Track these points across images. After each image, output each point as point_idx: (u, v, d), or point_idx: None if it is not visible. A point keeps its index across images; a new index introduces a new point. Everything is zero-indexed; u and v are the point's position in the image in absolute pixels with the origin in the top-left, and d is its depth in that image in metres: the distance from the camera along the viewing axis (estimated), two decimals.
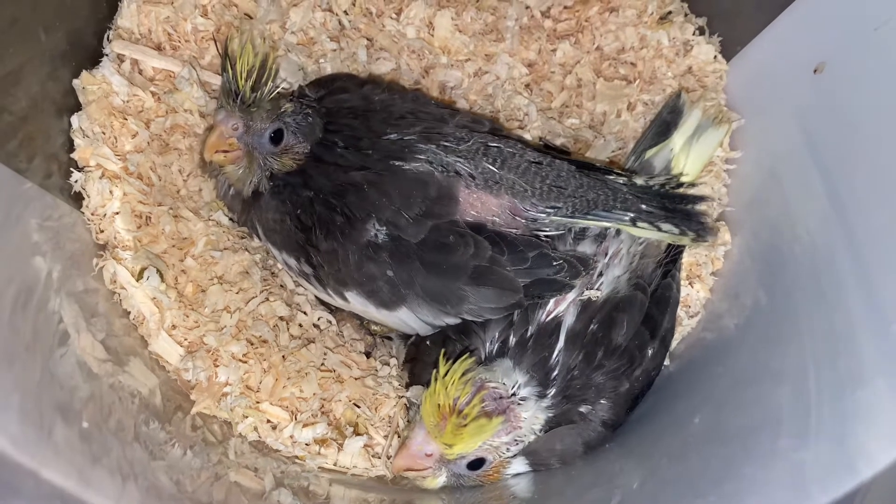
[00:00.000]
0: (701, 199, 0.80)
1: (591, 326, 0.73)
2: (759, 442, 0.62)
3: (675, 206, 0.78)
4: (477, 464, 0.71)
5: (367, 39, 0.89)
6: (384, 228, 0.72)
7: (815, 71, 0.75)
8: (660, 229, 0.76)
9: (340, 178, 0.74)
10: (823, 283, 0.73)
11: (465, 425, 0.66)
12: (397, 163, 0.74)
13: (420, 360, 0.76)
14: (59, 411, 0.63)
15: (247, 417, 0.74)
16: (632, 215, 0.76)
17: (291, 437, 0.74)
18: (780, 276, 0.80)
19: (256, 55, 0.71)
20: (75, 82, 0.80)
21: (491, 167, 0.75)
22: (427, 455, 0.69)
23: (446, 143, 0.75)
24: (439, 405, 0.66)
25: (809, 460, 0.58)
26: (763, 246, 0.84)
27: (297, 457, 0.74)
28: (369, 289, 0.74)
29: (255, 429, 0.75)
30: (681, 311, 0.85)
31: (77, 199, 0.79)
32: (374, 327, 0.86)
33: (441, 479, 0.72)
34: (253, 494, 0.71)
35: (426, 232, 0.72)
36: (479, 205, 0.74)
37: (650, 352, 0.75)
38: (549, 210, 0.74)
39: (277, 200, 0.76)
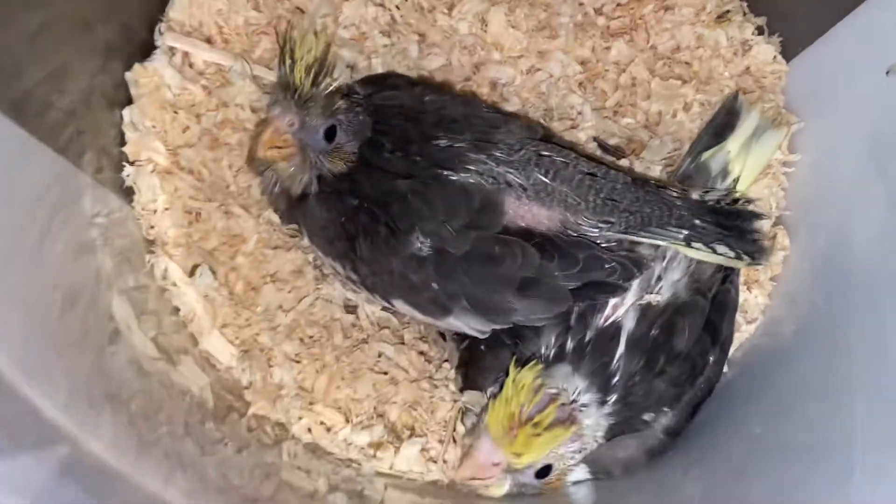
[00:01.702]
0: (757, 216, 0.78)
1: (653, 332, 0.72)
2: (831, 460, 0.61)
3: (731, 222, 0.76)
4: (544, 471, 0.70)
5: (419, 35, 0.88)
6: (428, 240, 0.70)
7: (887, 73, 0.73)
8: (715, 251, 0.74)
9: (385, 186, 0.73)
10: (879, 291, 0.72)
11: (539, 434, 0.65)
12: (445, 172, 0.72)
13: (474, 365, 0.74)
14: (108, 400, 0.63)
15: (301, 419, 0.73)
16: (686, 233, 0.74)
17: (346, 439, 0.73)
18: (837, 282, 0.78)
19: (317, 48, 0.69)
20: (127, 75, 0.79)
21: (543, 178, 0.73)
22: (494, 464, 0.68)
23: (497, 154, 0.73)
24: (511, 414, 0.65)
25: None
26: (820, 251, 0.83)
27: (351, 460, 0.73)
28: (414, 300, 0.73)
29: (310, 430, 0.73)
30: (739, 317, 0.84)
31: (128, 194, 0.78)
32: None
33: (505, 487, 0.71)
34: (304, 494, 0.70)
35: (470, 244, 0.70)
36: (530, 217, 0.72)
37: (711, 359, 0.74)
38: (601, 225, 0.72)
39: (322, 207, 0.75)
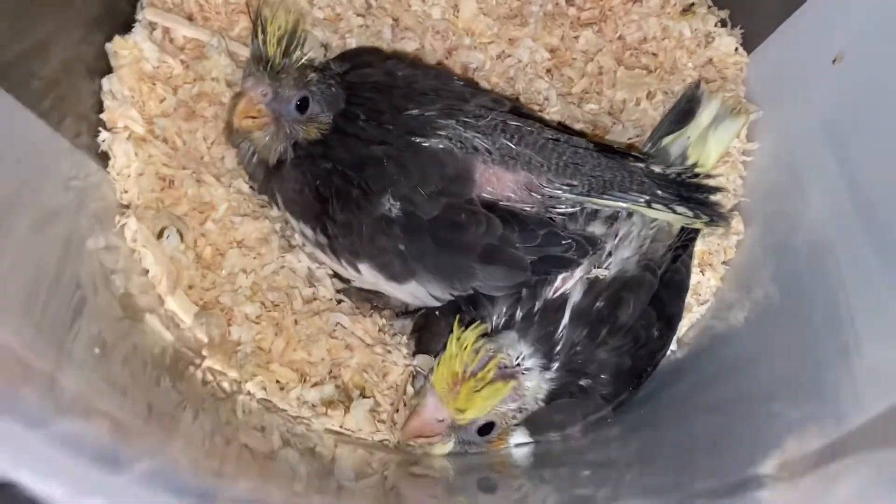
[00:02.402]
0: (716, 189, 0.81)
1: (597, 304, 0.74)
2: (753, 408, 0.63)
3: (691, 194, 0.79)
4: (486, 428, 0.72)
5: (393, 19, 0.91)
6: (399, 203, 0.74)
7: (833, 61, 0.76)
8: (674, 211, 0.77)
9: (360, 151, 0.76)
10: (834, 280, 0.73)
11: (480, 389, 0.68)
12: (417, 139, 0.75)
13: (427, 330, 0.77)
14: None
15: (256, 376, 0.76)
16: (647, 198, 0.76)
17: (299, 397, 0.76)
18: (792, 270, 0.80)
19: (287, 22, 0.72)
20: (107, 46, 0.83)
21: (508, 143, 0.76)
22: (439, 421, 0.71)
23: (466, 119, 0.77)
24: (454, 371, 0.67)
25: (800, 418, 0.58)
26: (777, 238, 0.85)
27: (302, 417, 0.76)
28: (381, 261, 0.76)
29: (264, 388, 0.76)
30: (691, 299, 0.86)
31: (104, 159, 0.81)
32: (384, 311, 0.86)
33: (449, 446, 0.74)
34: (262, 455, 0.72)
35: (440, 209, 0.74)
36: (496, 181, 0.75)
37: (655, 332, 0.76)
38: (564, 187, 0.75)
39: (298, 171, 0.78)
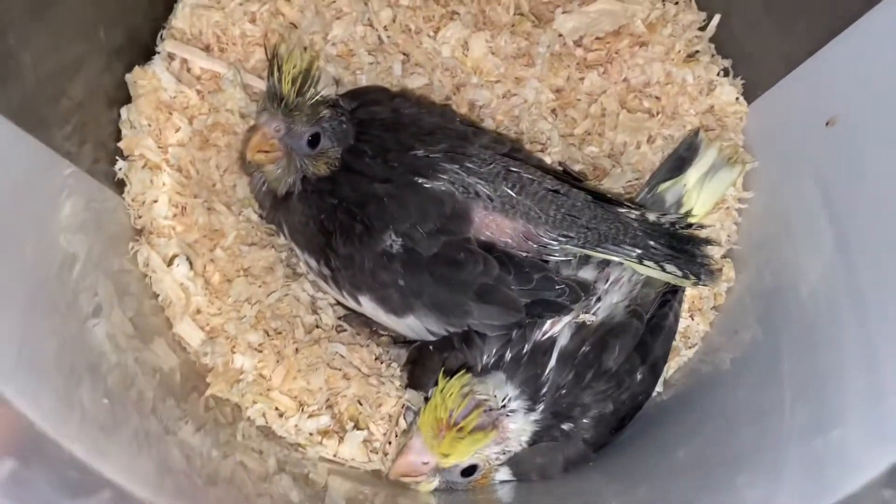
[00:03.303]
0: (708, 242, 0.83)
1: (584, 348, 0.77)
2: (723, 475, 0.66)
3: (682, 246, 0.82)
4: (469, 470, 0.76)
5: (404, 55, 0.94)
6: (400, 240, 0.77)
7: (826, 124, 0.78)
8: (664, 269, 0.80)
9: (364, 188, 0.79)
10: (819, 331, 0.76)
11: (463, 438, 0.71)
12: (420, 179, 0.78)
13: (420, 364, 0.80)
14: (88, 370, 0.68)
15: (256, 403, 0.79)
16: (640, 251, 0.79)
17: (296, 425, 0.79)
18: (779, 319, 0.82)
19: (303, 62, 0.75)
20: (128, 76, 0.86)
21: (510, 192, 0.79)
22: (424, 463, 0.74)
23: (469, 165, 0.79)
24: (439, 418, 0.71)
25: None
26: (766, 287, 0.87)
27: (299, 444, 0.80)
28: (381, 295, 0.79)
29: (264, 415, 0.80)
30: (679, 342, 0.89)
31: (119, 186, 0.85)
32: (382, 337, 0.89)
33: (434, 484, 0.77)
34: (257, 476, 0.76)
35: (439, 247, 0.77)
36: (494, 226, 0.78)
37: (639, 377, 0.79)
38: (560, 238, 0.78)
39: (304, 205, 0.81)
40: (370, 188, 0.79)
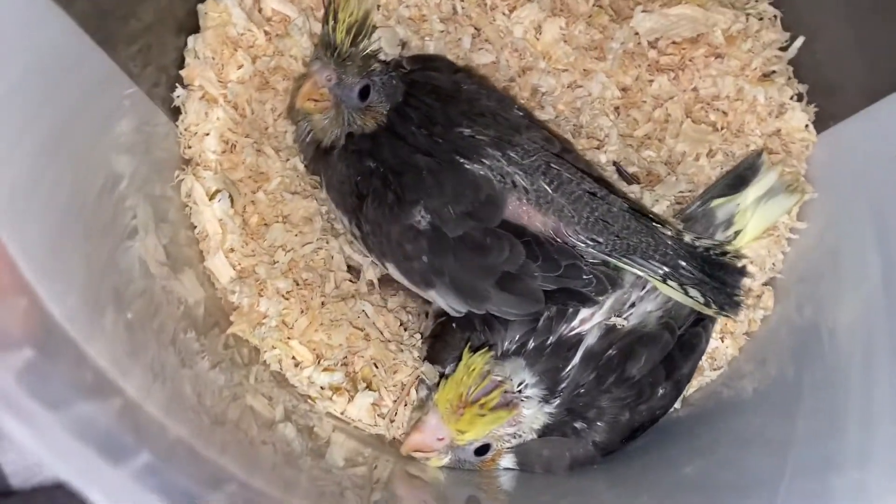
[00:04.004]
0: (741, 273, 0.81)
1: (610, 352, 0.76)
2: (728, 500, 0.64)
3: (714, 272, 0.80)
4: (483, 449, 0.75)
5: (476, 29, 0.93)
6: (428, 216, 0.76)
7: None
8: (686, 293, 0.78)
9: (404, 156, 0.78)
10: (851, 374, 0.74)
11: (483, 415, 0.70)
12: (461, 160, 0.77)
13: (442, 339, 0.80)
14: (113, 295, 0.69)
15: (274, 349, 0.80)
16: (667, 270, 0.78)
17: (310, 377, 0.80)
18: (811, 355, 0.80)
19: (358, 11, 0.75)
20: (200, 6, 0.86)
21: (546, 187, 0.77)
22: (438, 439, 0.74)
23: (512, 154, 0.78)
24: (461, 394, 0.70)
25: None
26: (804, 321, 0.85)
27: (309, 396, 0.80)
28: (405, 266, 0.78)
29: (280, 361, 0.80)
30: (704, 362, 0.87)
31: (174, 113, 0.85)
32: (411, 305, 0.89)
33: (445, 460, 0.77)
34: (263, 421, 0.76)
35: (466, 229, 0.75)
36: (526, 218, 0.77)
37: (661, 391, 0.78)
38: (589, 241, 0.77)
39: (343, 164, 0.81)
40: (411, 158, 0.78)
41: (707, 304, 0.78)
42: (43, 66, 0.63)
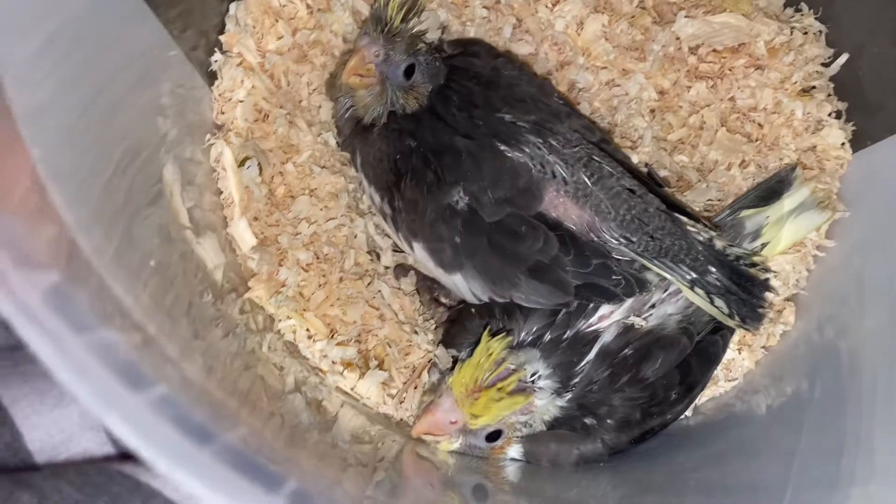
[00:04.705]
0: (768, 287, 0.80)
1: (626, 350, 0.76)
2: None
3: (741, 282, 0.79)
4: (494, 435, 0.75)
5: (517, 19, 0.92)
6: (467, 198, 0.76)
7: None
8: (712, 302, 0.77)
9: (445, 138, 0.78)
10: (870, 400, 0.73)
11: (500, 399, 0.70)
12: (501, 145, 0.77)
13: (459, 323, 0.79)
14: (139, 247, 0.68)
15: (290, 318, 0.79)
16: (695, 276, 0.77)
17: (322, 350, 0.79)
18: (830, 377, 0.80)
19: None
20: None
21: (586, 179, 0.77)
22: (451, 422, 0.73)
23: (553, 142, 0.78)
24: (477, 378, 0.70)
25: None
26: (824, 341, 0.84)
27: (320, 370, 0.80)
28: (434, 247, 0.78)
29: (294, 332, 0.80)
30: (720, 372, 0.86)
31: (211, 77, 0.85)
32: (442, 299, 0.88)
33: (456, 445, 0.76)
34: (273, 392, 0.76)
35: (503, 215, 0.75)
36: (562, 210, 0.77)
37: (673, 395, 0.77)
38: (622, 239, 0.76)
39: (383, 141, 0.81)
40: (451, 140, 0.78)
41: (731, 316, 0.78)
42: (88, 15, 0.63)
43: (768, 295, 0.80)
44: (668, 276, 0.77)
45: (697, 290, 0.77)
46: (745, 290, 0.79)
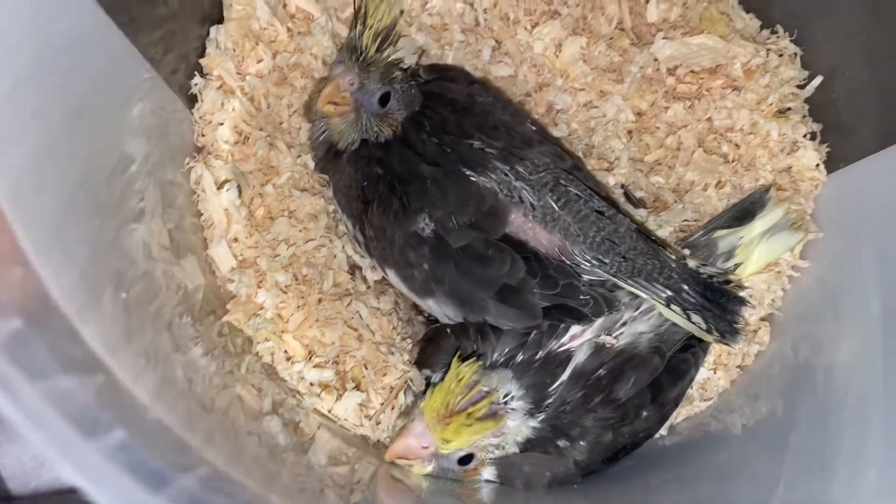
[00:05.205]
0: (742, 301, 0.81)
1: (600, 371, 0.76)
2: None
3: (716, 298, 0.80)
4: (466, 459, 0.76)
5: (496, 41, 0.93)
6: (432, 225, 0.76)
7: None
8: (689, 318, 0.78)
9: (412, 166, 0.79)
10: (844, 419, 0.74)
11: (470, 425, 0.71)
12: (467, 171, 0.78)
13: (435, 343, 0.80)
14: (114, 275, 0.69)
15: (268, 341, 0.80)
16: (670, 294, 0.78)
17: (300, 372, 0.80)
18: (804, 396, 0.80)
19: (387, 18, 0.76)
20: None
21: (553, 204, 0.78)
22: (423, 447, 0.74)
23: (520, 169, 0.78)
24: (448, 403, 0.71)
25: None
26: (799, 360, 0.85)
27: (298, 392, 0.80)
28: (405, 273, 0.79)
29: (272, 354, 0.81)
30: (695, 391, 0.87)
31: (191, 101, 0.86)
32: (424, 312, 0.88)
33: (429, 469, 0.77)
34: (250, 412, 0.77)
35: (469, 240, 0.76)
36: (531, 235, 0.77)
37: (644, 414, 0.78)
38: (594, 261, 0.77)
39: (352, 167, 0.82)
40: (418, 167, 0.78)
41: (709, 331, 0.78)
42: (64, 45, 0.64)
43: (743, 310, 0.81)
44: (643, 294, 0.78)
45: (674, 307, 0.78)
46: (719, 306, 0.80)
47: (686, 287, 0.79)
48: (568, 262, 0.76)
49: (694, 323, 0.78)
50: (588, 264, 0.77)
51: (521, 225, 0.77)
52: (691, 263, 0.81)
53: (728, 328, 0.80)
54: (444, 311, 0.79)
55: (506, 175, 0.77)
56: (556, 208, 0.77)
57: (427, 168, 0.78)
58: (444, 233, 0.76)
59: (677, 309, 0.78)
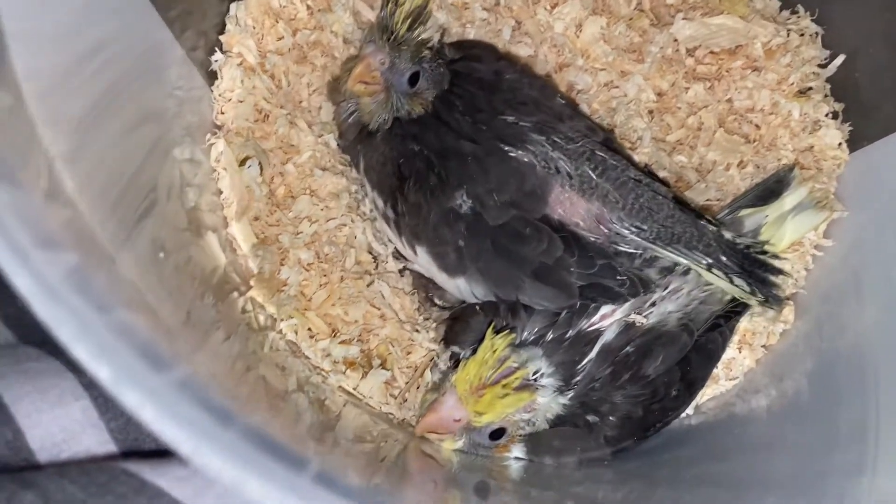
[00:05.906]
0: (780, 271, 0.81)
1: (628, 348, 0.76)
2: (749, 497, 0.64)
3: (753, 269, 0.79)
4: (498, 433, 0.75)
5: (517, 21, 0.93)
6: (470, 201, 0.76)
7: None
8: (731, 282, 0.78)
9: (449, 142, 0.78)
10: (869, 397, 0.73)
11: (504, 396, 0.70)
12: (505, 147, 0.77)
13: (462, 320, 0.79)
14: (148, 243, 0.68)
15: (292, 318, 0.79)
16: (710, 261, 0.77)
17: (325, 349, 0.79)
18: (831, 378, 0.80)
19: None
20: None
21: (590, 172, 0.77)
22: (455, 420, 0.73)
23: (556, 139, 0.78)
24: (482, 375, 0.70)
25: None
26: (823, 338, 0.84)
27: (323, 369, 0.79)
28: (438, 251, 0.78)
29: (296, 331, 0.79)
30: (720, 371, 0.86)
31: (211, 77, 0.85)
32: (437, 301, 0.87)
33: (459, 444, 0.76)
34: (276, 393, 0.75)
35: (507, 218, 0.75)
36: (569, 205, 0.77)
37: (674, 392, 0.77)
38: (633, 228, 0.76)
39: (387, 145, 0.81)
40: (456, 143, 0.78)
41: (752, 293, 0.78)
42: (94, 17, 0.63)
43: (780, 279, 0.81)
44: (683, 261, 0.77)
45: (715, 271, 0.77)
46: (757, 276, 0.80)
47: (723, 257, 0.78)
48: (606, 231, 0.76)
49: (737, 286, 0.78)
50: (627, 231, 0.76)
51: (559, 195, 0.77)
52: (727, 235, 0.80)
53: (769, 292, 0.79)
54: (473, 290, 0.78)
55: (543, 146, 0.77)
56: (594, 176, 0.77)
57: (467, 144, 0.78)
58: (482, 210, 0.76)
59: (719, 273, 0.78)
